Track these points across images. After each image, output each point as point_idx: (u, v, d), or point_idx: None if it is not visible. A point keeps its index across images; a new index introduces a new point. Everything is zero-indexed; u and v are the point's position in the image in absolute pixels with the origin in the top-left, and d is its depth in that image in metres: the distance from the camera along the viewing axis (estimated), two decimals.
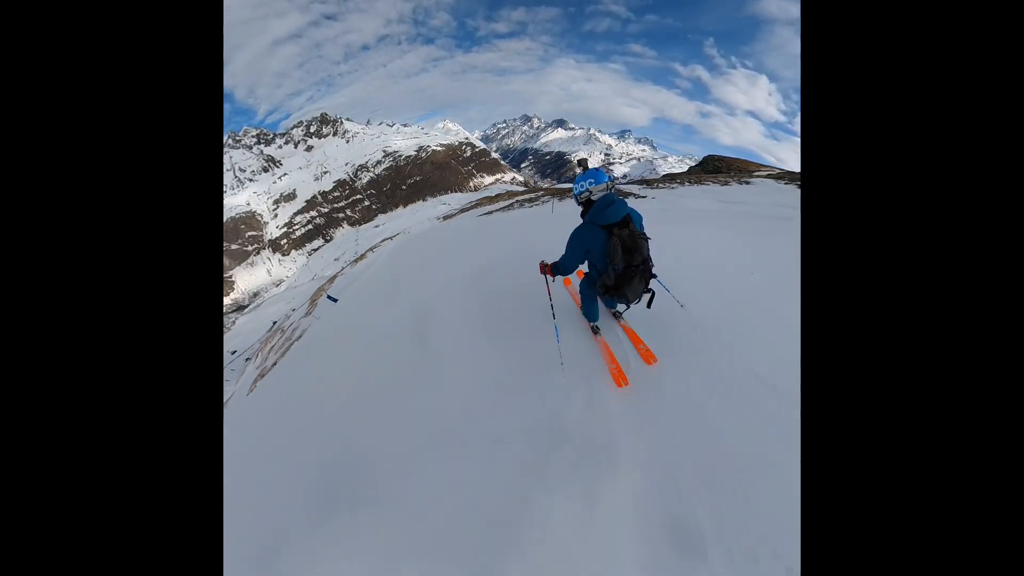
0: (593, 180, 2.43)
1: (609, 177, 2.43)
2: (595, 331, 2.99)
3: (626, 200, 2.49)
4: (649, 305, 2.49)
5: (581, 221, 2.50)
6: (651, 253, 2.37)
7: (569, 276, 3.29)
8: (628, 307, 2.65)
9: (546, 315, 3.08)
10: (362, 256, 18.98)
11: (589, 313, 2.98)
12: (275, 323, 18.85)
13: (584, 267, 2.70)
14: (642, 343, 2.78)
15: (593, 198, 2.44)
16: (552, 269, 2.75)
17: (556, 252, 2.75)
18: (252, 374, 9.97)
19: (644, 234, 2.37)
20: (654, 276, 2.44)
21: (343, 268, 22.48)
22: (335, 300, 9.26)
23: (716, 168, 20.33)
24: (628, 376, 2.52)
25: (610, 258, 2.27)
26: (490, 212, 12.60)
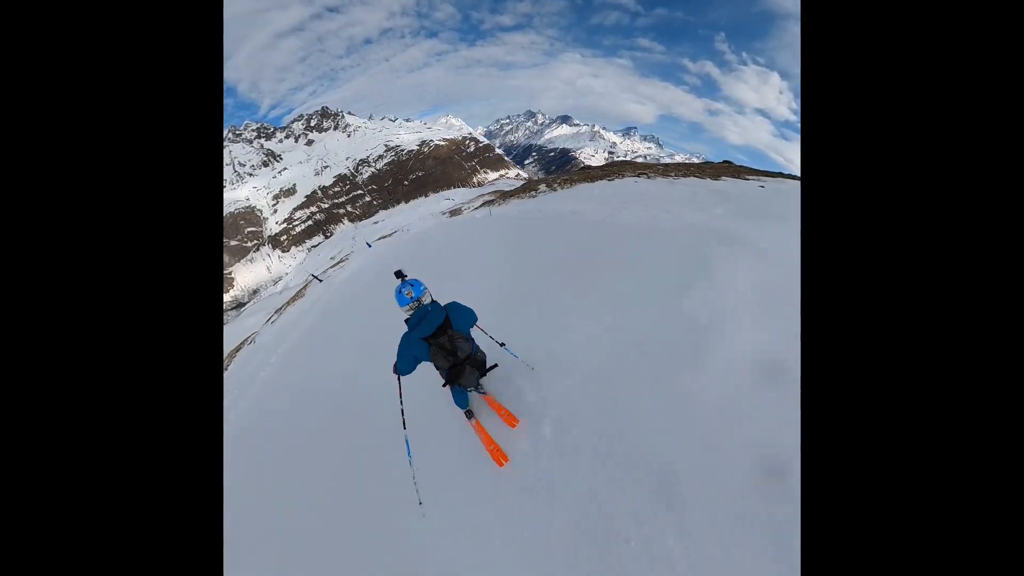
0: (398, 302, 2.58)
1: (413, 284, 2.57)
2: (468, 416, 3.16)
3: (439, 304, 2.57)
4: (490, 368, 2.86)
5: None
6: None
7: None
8: (474, 390, 3.03)
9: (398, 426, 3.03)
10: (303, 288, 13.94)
11: (458, 403, 3.11)
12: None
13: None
14: (503, 409, 3.02)
15: (405, 318, 2.60)
16: (395, 370, 2.81)
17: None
18: None
19: (463, 335, 2.60)
20: (484, 365, 2.78)
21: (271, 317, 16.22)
22: None
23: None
24: (507, 452, 2.79)
25: (434, 362, 2.58)
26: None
